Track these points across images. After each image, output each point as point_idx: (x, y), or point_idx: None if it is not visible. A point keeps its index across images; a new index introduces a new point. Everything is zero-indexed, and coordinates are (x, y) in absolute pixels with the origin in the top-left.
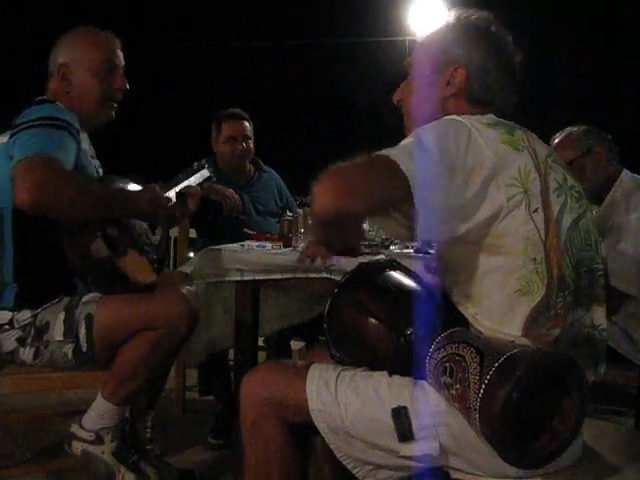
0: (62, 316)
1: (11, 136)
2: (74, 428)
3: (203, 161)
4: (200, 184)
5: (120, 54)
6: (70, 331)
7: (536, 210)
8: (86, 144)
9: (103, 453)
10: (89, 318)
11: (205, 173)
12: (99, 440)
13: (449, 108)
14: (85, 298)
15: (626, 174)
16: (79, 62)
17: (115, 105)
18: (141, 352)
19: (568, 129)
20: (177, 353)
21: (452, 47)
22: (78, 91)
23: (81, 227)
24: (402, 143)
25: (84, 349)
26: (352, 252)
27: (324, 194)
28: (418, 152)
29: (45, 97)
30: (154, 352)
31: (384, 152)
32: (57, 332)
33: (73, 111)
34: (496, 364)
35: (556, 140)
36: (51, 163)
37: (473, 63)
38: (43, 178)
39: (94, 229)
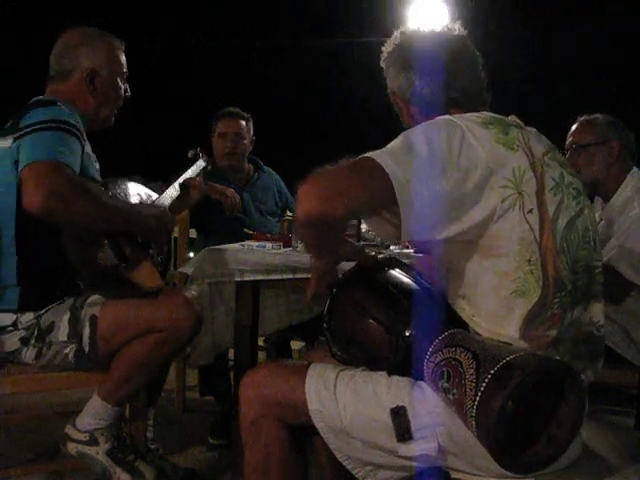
0: (67, 317)
1: (15, 140)
2: (68, 429)
3: (198, 149)
4: (198, 174)
5: None
6: (74, 332)
7: (531, 211)
8: (89, 147)
9: (97, 454)
10: (93, 319)
11: (201, 163)
12: (93, 441)
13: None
14: (90, 299)
15: (636, 171)
16: (107, 68)
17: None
18: (143, 353)
19: (596, 114)
20: (177, 356)
21: (390, 83)
22: (101, 96)
23: (87, 235)
24: (390, 145)
25: (86, 350)
26: (356, 255)
27: (307, 198)
28: (405, 154)
29: (49, 98)
30: (156, 354)
31: (369, 154)
32: (62, 333)
33: (85, 114)
34: (492, 371)
35: (578, 122)
36: (61, 169)
37: (402, 89)
38: (54, 184)
39: (102, 237)
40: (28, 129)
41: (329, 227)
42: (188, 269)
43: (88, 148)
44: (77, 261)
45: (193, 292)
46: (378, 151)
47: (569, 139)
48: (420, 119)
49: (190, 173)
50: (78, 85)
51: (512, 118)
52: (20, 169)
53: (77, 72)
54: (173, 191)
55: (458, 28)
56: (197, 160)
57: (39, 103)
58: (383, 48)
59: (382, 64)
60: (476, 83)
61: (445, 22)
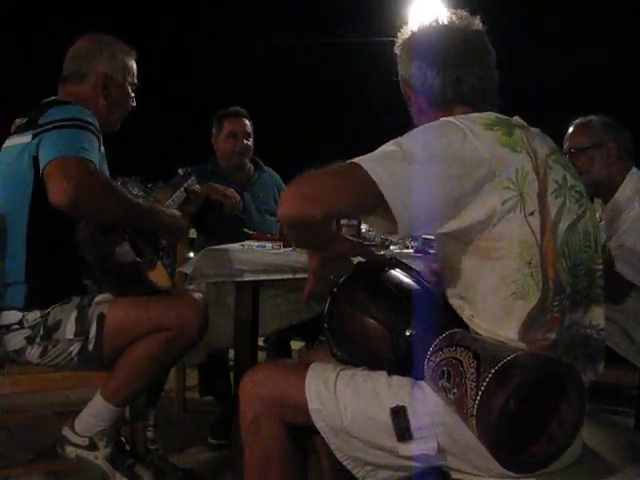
0: (74, 315)
1: (34, 136)
2: (66, 432)
3: (188, 168)
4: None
5: None
6: (81, 330)
7: (532, 213)
8: (102, 147)
9: (97, 459)
10: (101, 317)
11: (194, 180)
12: (92, 446)
13: (440, 115)
14: (98, 298)
15: (635, 171)
16: (121, 75)
17: None
18: (149, 352)
19: (590, 117)
20: (182, 357)
21: (401, 70)
22: (112, 101)
23: (109, 229)
24: (379, 150)
25: (90, 348)
26: (354, 251)
27: (286, 200)
28: (396, 159)
29: (64, 99)
30: (162, 353)
31: (356, 160)
32: (69, 331)
33: (95, 116)
34: (493, 370)
35: (573, 125)
36: (86, 165)
37: (413, 77)
38: (81, 179)
39: (122, 233)
40: (49, 126)
41: (307, 229)
42: (188, 269)
43: (102, 148)
44: (94, 257)
45: (200, 294)
46: (364, 157)
47: (566, 143)
48: (427, 109)
49: (187, 185)
50: (92, 88)
51: (516, 119)
52: (44, 165)
53: (93, 75)
54: (180, 195)
55: (477, 23)
56: (189, 177)
57: (56, 102)
58: (399, 34)
59: (396, 50)
60: (488, 82)
61: (464, 15)
